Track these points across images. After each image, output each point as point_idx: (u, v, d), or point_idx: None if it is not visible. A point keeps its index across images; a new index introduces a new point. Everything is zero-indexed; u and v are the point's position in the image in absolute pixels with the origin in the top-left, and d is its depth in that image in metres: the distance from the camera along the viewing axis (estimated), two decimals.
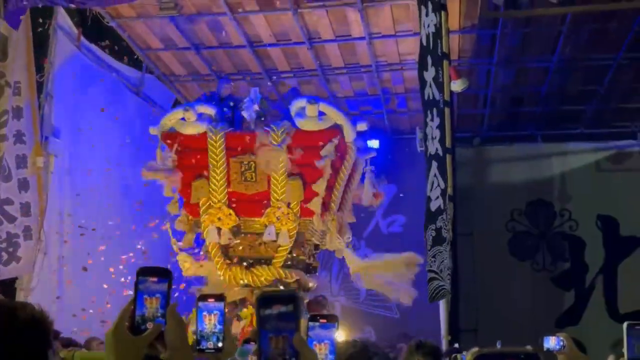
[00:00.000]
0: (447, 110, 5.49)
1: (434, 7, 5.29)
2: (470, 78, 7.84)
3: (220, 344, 1.33)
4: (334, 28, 7.56)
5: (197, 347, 1.35)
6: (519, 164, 9.73)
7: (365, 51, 7.97)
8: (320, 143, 6.16)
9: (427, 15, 5.40)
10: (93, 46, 7.59)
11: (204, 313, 1.35)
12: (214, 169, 6.33)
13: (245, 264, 6.37)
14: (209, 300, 1.37)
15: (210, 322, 1.34)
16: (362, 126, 6.57)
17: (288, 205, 6.26)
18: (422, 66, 5.71)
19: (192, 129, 6.28)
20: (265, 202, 6.34)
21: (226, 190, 6.36)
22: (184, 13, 7.17)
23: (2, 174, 5.74)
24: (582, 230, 9.58)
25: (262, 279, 6.24)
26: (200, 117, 6.30)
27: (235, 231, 6.43)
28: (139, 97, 8.47)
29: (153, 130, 6.40)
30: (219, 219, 6.33)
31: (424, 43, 5.56)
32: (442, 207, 5.15)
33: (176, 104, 9.39)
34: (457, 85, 6.57)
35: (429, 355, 2.76)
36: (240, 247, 6.40)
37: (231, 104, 6.70)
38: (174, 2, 6.80)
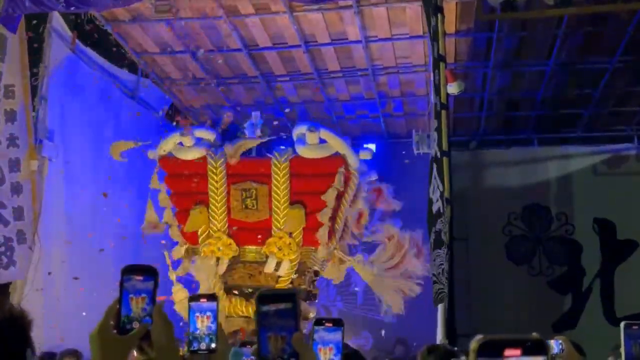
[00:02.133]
0: (443, 113, 5.50)
1: (433, 10, 5.29)
2: (467, 81, 7.82)
3: (213, 345, 1.30)
4: (330, 31, 7.55)
5: (190, 349, 1.31)
6: (515, 168, 9.72)
7: (361, 54, 7.96)
8: (322, 171, 6.09)
9: (432, 16, 5.40)
10: (88, 49, 7.56)
11: (197, 314, 1.32)
12: (213, 196, 6.17)
13: (236, 292, 6.25)
14: (202, 300, 1.33)
15: (203, 324, 1.31)
16: (366, 155, 6.48)
17: (290, 235, 6.15)
18: (433, 68, 5.70)
19: (192, 154, 6.15)
20: (266, 230, 6.21)
21: (226, 219, 6.22)
22: (179, 16, 7.15)
23: None
24: (579, 234, 9.57)
25: None
26: (199, 141, 6.18)
27: (234, 260, 6.30)
28: (134, 101, 8.43)
29: (151, 154, 6.26)
30: (219, 249, 6.18)
31: (433, 46, 5.56)
32: (441, 209, 5.14)
33: (172, 107, 9.38)
34: (453, 88, 6.54)
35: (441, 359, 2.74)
36: (239, 276, 6.25)
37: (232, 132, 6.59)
38: (169, 5, 6.78)
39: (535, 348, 0.77)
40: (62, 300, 6.65)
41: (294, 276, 6.30)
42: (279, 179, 6.15)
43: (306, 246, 6.26)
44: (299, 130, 6.11)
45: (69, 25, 7.15)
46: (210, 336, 1.30)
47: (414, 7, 6.91)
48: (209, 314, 1.31)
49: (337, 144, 6.12)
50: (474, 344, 0.76)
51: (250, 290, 6.21)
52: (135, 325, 1.25)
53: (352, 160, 6.24)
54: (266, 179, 6.21)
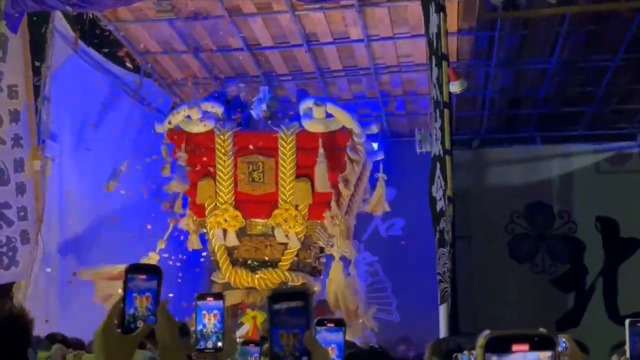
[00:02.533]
0: (446, 112, 5.48)
1: (436, 8, 5.28)
2: (469, 80, 7.80)
3: (219, 344, 1.30)
4: (332, 30, 7.55)
5: (196, 347, 1.32)
6: (517, 166, 9.71)
7: (363, 53, 7.96)
8: (329, 145, 6.08)
9: (432, 15, 5.39)
10: (90, 49, 7.57)
11: (203, 312, 1.32)
12: (221, 169, 6.22)
13: (242, 264, 6.29)
14: (208, 299, 1.34)
15: (210, 322, 1.32)
16: (373, 129, 6.50)
17: (296, 207, 6.18)
18: (430, 67, 5.70)
19: (199, 127, 6.18)
20: (272, 203, 6.23)
21: (233, 191, 6.25)
22: (181, 16, 7.15)
23: (1, 178, 5.72)
24: (582, 232, 9.56)
25: (268, 282, 6.15)
26: (205, 115, 6.20)
27: (240, 233, 6.34)
28: (136, 101, 8.45)
29: (159, 128, 6.31)
30: (225, 220, 6.22)
31: (433, 43, 5.55)
32: (444, 208, 5.13)
33: (174, 107, 9.39)
34: (456, 87, 6.53)
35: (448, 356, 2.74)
36: (245, 249, 6.30)
37: (238, 109, 6.60)
38: (171, 5, 6.78)
39: (543, 343, 0.77)
40: (61, 299, 6.67)
41: (299, 249, 6.30)
42: (285, 152, 6.20)
43: (312, 219, 6.29)
44: (306, 104, 6.14)
45: (72, 25, 7.16)
46: (217, 334, 1.31)
47: (415, 5, 6.89)
48: (215, 312, 1.32)
49: (344, 118, 6.15)
50: (481, 340, 0.77)
51: (255, 263, 6.26)
52: (140, 324, 1.25)
53: (359, 134, 6.25)
54: (273, 152, 6.25)
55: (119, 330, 1.25)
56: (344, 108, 6.39)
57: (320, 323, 1.23)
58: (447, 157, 5.37)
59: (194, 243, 6.47)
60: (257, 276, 6.17)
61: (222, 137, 6.18)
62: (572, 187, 9.66)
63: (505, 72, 8.37)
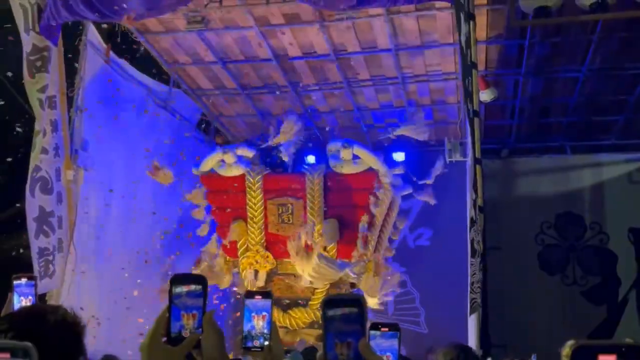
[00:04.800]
0: (476, 121, 5.44)
1: (465, 17, 5.25)
2: (498, 89, 7.75)
3: (266, 343, 1.30)
4: (359, 40, 7.55)
5: (243, 346, 1.31)
6: (548, 176, 9.58)
7: (391, 63, 7.94)
8: (356, 186, 6.25)
9: (464, 23, 5.37)
10: (122, 61, 7.69)
11: (253, 314, 1.32)
12: (251, 211, 6.43)
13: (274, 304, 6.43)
14: (256, 297, 1.33)
15: (259, 324, 1.31)
16: (398, 170, 6.67)
17: (325, 248, 6.32)
18: (464, 75, 5.68)
19: (232, 171, 6.44)
20: None
21: (264, 232, 6.45)
22: (211, 27, 7.23)
23: (45, 187, 5.85)
24: (614, 243, 9.38)
25: (299, 321, 6.29)
26: (240, 159, 6.46)
27: (271, 272, 6.51)
28: (167, 111, 8.55)
29: (195, 171, 6.64)
30: (257, 261, 6.42)
31: (464, 51, 5.53)
32: (474, 218, 5.08)
33: (202, 118, 9.48)
34: (486, 95, 6.50)
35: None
36: (277, 288, 6.47)
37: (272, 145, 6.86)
38: (201, 17, 6.86)
39: (631, 353, 0.74)
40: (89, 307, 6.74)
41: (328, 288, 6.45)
42: (313, 193, 6.38)
43: (341, 259, 6.41)
44: (334, 146, 6.32)
45: (103, 37, 7.29)
46: (265, 335, 1.30)
47: (444, 14, 6.87)
48: (264, 313, 1.31)
49: (370, 160, 6.32)
50: (566, 350, 0.74)
51: (287, 301, 6.40)
52: (186, 334, 1.25)
53: (385, 175, 6.39)
54: (301, 193, 6.42)
55: (164, 340, 1.24)
56: (370, 150, 6.57)
57: (374, 327, 1.21)
58: (477, 167, 5.33)
59: (226, 282, 6.68)
60: (288, 315, 6.30)
61: (252, 180, 6.42)
62: (604, 197, 9.49)
63: (535, 81, 8.27)
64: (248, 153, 6.59)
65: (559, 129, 9.49)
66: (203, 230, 6.72)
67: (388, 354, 1.20)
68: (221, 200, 6.61)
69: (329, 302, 1.03)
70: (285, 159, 6.67)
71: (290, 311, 6.39)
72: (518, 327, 8.88)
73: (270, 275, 6.55)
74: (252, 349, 1.30)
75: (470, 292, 5.12)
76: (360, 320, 1.02)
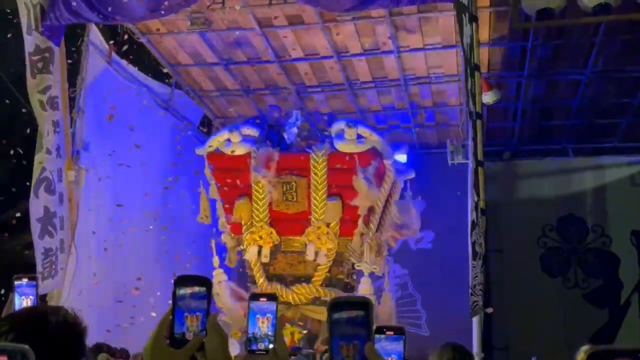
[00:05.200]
0: (478, 123, 5.42)
1: (469, 19, 5.24)
2: (500, 91, 7.73)
3: (271, 346, 1.29)
4: (362, 42, 7.55)
5: (248, 349, 1.30)
6: (550, 178, 9.55)
7: (393, 65, 7.93)
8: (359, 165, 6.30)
9: (466, 25, 5.36)
10: (124, 62, 7.68)
11: (257, 316, 1.31)
12: (256, 189, 6.50)
13: (277, 280, 6.51)
14: (261, 300, 1.32)
15: (263, 325, 1.30)
16: (401, 156, 6.73)
17: (328, 225, 6.38)
18: (466, 77, 5.68)
19: (238, 149, 6.51)
20: (305, 221, 6.46)
21: (268, 210, 6.52)
22: (213, 28, 7.22)
23: (49, 187, 5.86)
24: (616, 246, 9.35)
25: (302, 297, 6.33)
26: (245, 138, 6.53)
27: (275, 250, 6.57)
28: (168, 112, 8.55)
29: (199, 151, 6.70)
30: (260, 237, 6.50)
31: (466, 54, 5.52)
32: (475, 220, 5.06)
33: (204, 119, 9.48)
34: (489, 97, 6.48)
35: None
36: (280, 265, 6.53)
37: (276, 129, 6.95)
38: (203, 18, 6.86)
39: None
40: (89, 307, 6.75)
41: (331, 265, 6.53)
42: (317, 172, 6.49)
43: (343, 236, 6.50)
44: (338, 126, 6.42)
45: (106, 38, 7.29)
46: (269, 337, 1.29)
47: (446, 17, 6.87)
48: (269, 315, 1.30)
49: (373, 139, 6.34)
50: (581, 355, 0.73)
51: (290, 278, 6.50)
52: (189, 336, 1.24)
53: (388, 155, 6.45)
54: (305, 172, 6.50)
55: (168, 342, 1.23)
56: (374, 130, 6.61)
57: (379, 331, 1.20)
58: (480, 169, 5.31)
59: (231, 260, 6.77)
60: (291, 291, 6.38)
61: (257, 158, 6.46)
62: (606, 200, 9.46)
63: (538, 83, 8.26)
64: (253, 132, 6.65)
65: (561, 132, 9.47)
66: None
67: (393, 356, 1.19)
68: (227, 178, 6.68)
69: (335, 305, 1.02)
70: (286, 136, 6.76)
71: (293, 287, 6.47)
72: (520, 330, 8.86)
73: (273, 252, 6.62)
74: (257, 352, 1.29)
75: (472, 295, 5.10)
76: (367, 324, 1.01)
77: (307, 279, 6.50)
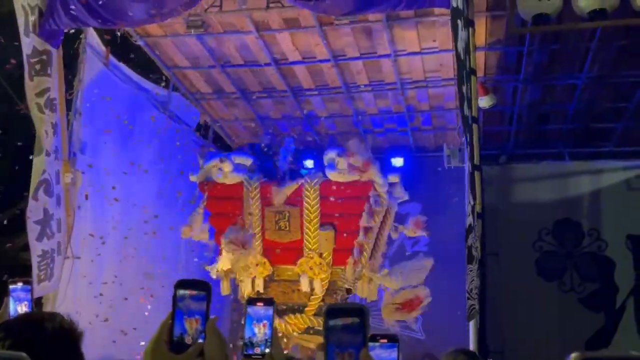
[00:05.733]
0: (474, 127, 5.44)
1: (465, 23, 5.26)
2: (496, 95, 7.76)
3: (267, 350, 1.30)
4: (359, 45, 7.56)
5: (244, 353, 1.31)
6: (546, 183, 9.56)
7: (390, 69, 7.95)
8: (351, 194, 6.32)
9: (461, 30, 5.37)
10: (121, 64, 7.69)
11: (254, 322, 1.32)
12: (249, 218, 6.52)
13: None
14: (258, 304, 1.33)
15: (260, 331, 1.31)
16: (394, 178, 6.75)
17: (320, 255, 6.39)
18: (460, 81, 5.69)
19: (230, 179, 6.51)
20: (298, 250, 6.50)
21: (261, 239, 6.54)
22: (210, 32, 7.23)
23: (48, 189, 5.86)
24: (612, 250, 9.35)
25: (295, 327, 6.35)
26: (237, 167, 6.53)
27: (269, 278, 6.58)
28: (165, 115, 8.55)
29: (193, 178, 6.71)
30: (254, 268, 6.51)
31: (461, 57, 5.53)
32: (472, 224, 5.07)
33: (201, 121, 9.48)
34: (485, 102, 6.50)
35: None
36: (274, 294, 6.57)
37: (269, 152, 6.96)
38: (201, 21, 6.87)
39: None
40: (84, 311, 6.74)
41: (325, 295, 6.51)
42: (310, 202, 6.48)
43: (336, 266, 6.50)
44: (329, 155, 6.39)
45: (103, 40, 7.29)
46: (266, 342, 1.30)
47: (443, 20, 6.88)
48: (265, 321, 1.31)
49: (365, 169, 6.36)
50: None
51: (284, 307, 6.47)
52: (189, 340, 1.24)
53: (380, 184, 6.45)
54: (298, 202, 6.48)
55: (168, 347, 1.24)
56: (366, 159, 6.62)
57: (373, 339, 1.20)
58: (476, 173, 5.32)
59: (224, 289, 6.76)
60: (284, 321, 6.38)
61: (250, 188, 6.47)
62: (602, 204, 9.47)
63: (534, 87, 8.29)
64: (245, 161, 6.64)
65: (557, 136, 9.50)
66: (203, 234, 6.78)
67: None
68: (219, 207, 6.66)
69: (331, 312, 1.03)
70: (279, 165, 6.78)
71: (285, 317, 6.46)
72: (515, 334, 8.86)
73: (267, 282, 6.61)
74: (253, 357, 1.29)
75: (469, 299, 5.11)
76: (362, 331, 1.01)
77: (301, 309, 6.51)
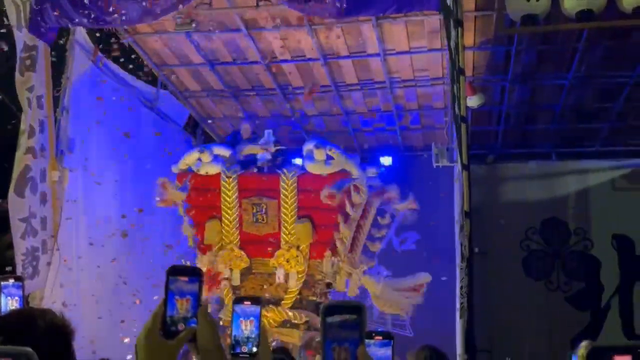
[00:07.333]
0: (463, 126, 5.47)
1: (454, 23, 5.29)
2: (485, 95, 7.80)
3: (254, 349, 1.30)
4: (348, 44, 7.57)
5: (232, 352, 1.32)
6: (533, 182, 9.64)
7: (379, 67, 7.97)
8: (328, 186, 6.30)
9: (452, 29, 5.41)
10: (109, 62, 7.64)
11: (241, 319, 1.32)
12: (226, 210, 6.45)
13: None
14: (245, 303, 1.34)
15: (247, 328, 1.32)
16: (372, 172, 6.70)
17: (297, 247, 6.36)
18: (452, 80, 5.72)
19: (208, 169, 6.45)
20: (275, 243, 6.44)
21: (238, 232, 6.48)
22: (199, 29, 7.21)
23: (34, 187, 5.82)
24: (598, 249, 9.45)
25: (270, 320, 6.30)
26: (216, 158, 6.47)
27: (247, 271, 6.54)
28: (153, 113, 8.51)
29: (174, 169, 6.65)
30: (231, 260, 6.46)
31: (452, 56, 5.56)
32: (461, 223, 5.11)
33: (190, 119, 9.45)
34: (474, 101, 6.53)
35: None
36: (251, 287, 6.51)
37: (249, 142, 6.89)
38: (190, 18, 6.84)
39: None
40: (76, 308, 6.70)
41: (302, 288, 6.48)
42: (287, 194, 6.43)
43: (314, 259, 6.45)
44: (308, 147, 6.36)
45: (91, 37, 7.24)
46: (253, 340, 1.31)
47: (432, 20, 6.91)
48: (252, 319, 1.32)
49: (342, 161, 6.32)
50: (581, 351, 0.75)
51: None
52: (181, 326, 1.25)
53: (358, 176, 6.42)
54: (275, 194, 6.46)
55: (161, 333, 1.25)
56: (343, 152, 6.59)
57: (369, 336, 1.21)
58: (465, 173, 5.35)
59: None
60: (262, 315, 6.32)
61: (227, 179, 6.42)
62: (588, 203, 9.57)
63: (522, 87, 8.34)
64: (224, 152, 6.59)
65: (544, 136, 9.57)
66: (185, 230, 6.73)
67: None
68: (199, 199, 6.61)
69: (329, 309, 1.04)
70: (258, 157, 6.71)
71: (262, 310, 6.42)
72: (503, 332, 8.93)
73: (244, 275, 6.56)
74: (241, 355, 1.30)
75: (460, 297, 5.15)
76: (359, 328, 1.02)
77: (277, 302, 6.47)
